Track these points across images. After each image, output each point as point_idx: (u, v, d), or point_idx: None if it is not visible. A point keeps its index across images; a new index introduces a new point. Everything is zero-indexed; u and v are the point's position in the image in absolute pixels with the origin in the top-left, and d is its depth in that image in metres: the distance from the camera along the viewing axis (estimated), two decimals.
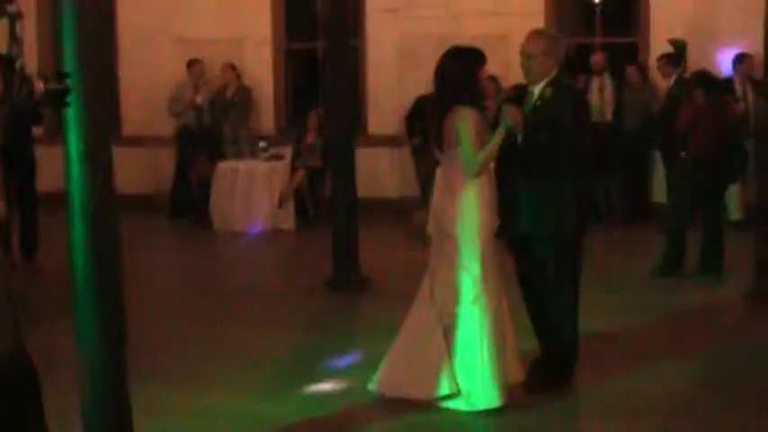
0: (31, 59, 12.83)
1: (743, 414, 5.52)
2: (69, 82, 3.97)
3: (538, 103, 5.66)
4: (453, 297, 5.47)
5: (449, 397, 5.46)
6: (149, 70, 13.46)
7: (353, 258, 8.63)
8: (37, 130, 10.32)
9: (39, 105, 4.03)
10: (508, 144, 5.50)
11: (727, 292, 8.30)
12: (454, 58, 5.63)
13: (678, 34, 11.50)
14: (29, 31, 12.74)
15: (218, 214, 11.82)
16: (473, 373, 5.42)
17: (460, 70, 5.54)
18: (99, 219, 4.23)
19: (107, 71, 4.38)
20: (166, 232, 12.35)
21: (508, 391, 5.48)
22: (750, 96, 11.30)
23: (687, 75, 10.82)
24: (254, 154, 12.51)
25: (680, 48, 11.31)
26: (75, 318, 4.32)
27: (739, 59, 11.41)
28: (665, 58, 11.39)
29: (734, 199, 11.37)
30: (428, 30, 12.17)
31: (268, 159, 12.14)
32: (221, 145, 12.65)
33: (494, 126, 5.55)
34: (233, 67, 12.86)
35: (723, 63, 11.61)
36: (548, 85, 5.66)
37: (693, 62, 11.20)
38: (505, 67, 10.94)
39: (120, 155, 4.60)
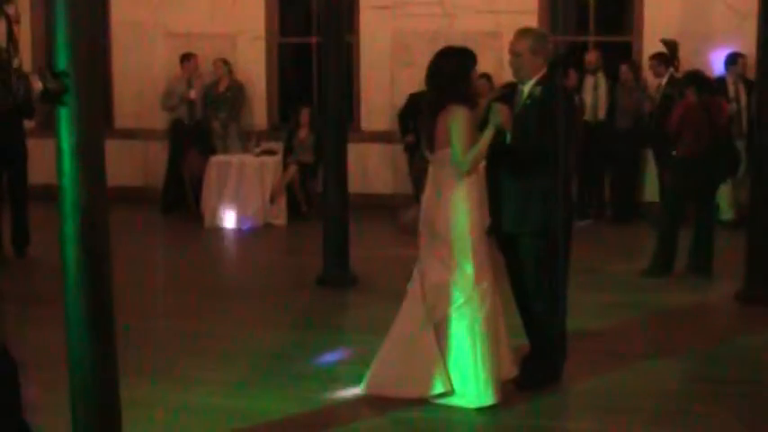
0: (24, 55, 12.88)
1: (731, 413, 5.53)
2: (66, 81, 3.98)
3: (528, 101, 5.65)
4: (446, 297, 5.48)
5: (443, 395, 5.47)
6: (142, 64, 13.44)
7: (344, 255, 8.62)
8: (29, 124, 10.29)
9: (33, 103, 4.04)
10: (497, 143, 5.49)
11: (717, 292, 8.32)
12: (446, 57, 5.62)
13: (671, 34, 11.52)
14: (22, 26, 12.82)
15: (209, 209, 11.80)
16: (466, 371, 5.43)
17: (452, 70, 5.54)
18: (91, 213, 4.23)
19: (100, 65, 4.36)
20: (157, 226, 12.33)
21: (501, 388, 5.51)
22: (742, 96, 11.33)
23: (679, 74, 10.85)
24: (244, 149, 12.50)
25: (672, 48, 11.34)
26: (66, 312, 4.32)
27: (732, 59, 11.43)
28: (658, 58, 11.42)
29: (725, 198, 11.40)
30: (421, 27, 12.18)
31: (260, 155, 12.14)
32: (213, 140, 12.66)
33: (483, 125, 5.54)
34: (225, 62, 12.85)
35: (715, 63, 11.63)
36: (537, 83, 5.66)
37: (686, 62, 11.24)
38: (498, 64, 10.97)
39: (111, 148, 4.59)
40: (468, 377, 5.44)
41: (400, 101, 12.04)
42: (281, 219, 11.89)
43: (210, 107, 12.70)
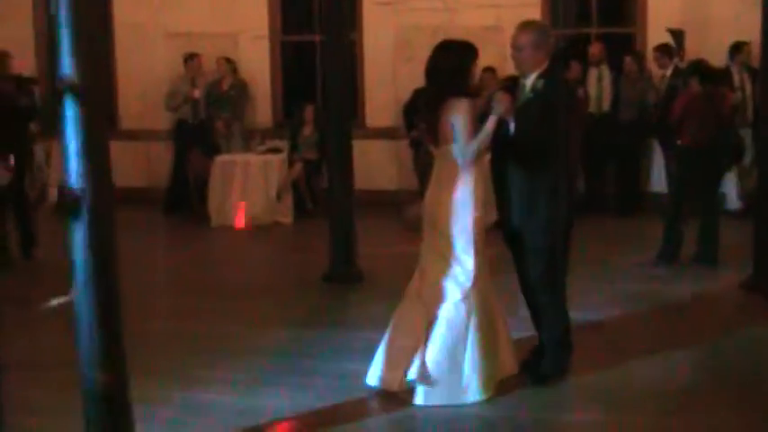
0: (28, 57, 12.89)
1: (738, 404, 5.53)
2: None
3: (530, 95, 5.61)
4: (444, 292, 5.47)
5: (415, 382, 5.45)
6: (145, 65, 13.45)
7: (350, 252, 8.63)
8: (34, 127, 10.32)
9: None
10: (500, 136, 5.47)
11: (723, 282, 8.31)
12: (446, 51, 5.58)
13: (674, 24, 11.50)
14: (25, 28, 12.79)
15: (214, 208, 11.81)
16: (461, 366, 5.43)
17: (453, 64, 5.50)
18: (97, 214, 4.24)
19: (104, 67, 4.38)
20: (162, 227, 12.34)
21: (501, 383, 5.53)
22: (747, 85, 11.30)
23: (684, 64, 10.83)
24: (247, 148, 12.50)
25: (678, 37, 11.31)
26: (75, 314, 4.33)
27: (736, 48, 11.41)
28: (662, 49, 11.40)
29: (732, 188, 11.40)
30: (424, 22, 12.17)
31: (264, 153, 12.14)
32: (216, 139, 12.66)
33: (485, 117, 5.50)
34: (228, 61, 12.85)
35: (719, 52, 11.60)
36: (540, 76, 5.61)
37: (690, 51, 11.21)
38: (501, 58, 10.93)
39: (115, 149, 4.59)
40: (461, 372, 5.43)
41: (404, 96, 12.03)
42: (287, 216, 11.90)
43: (213, 106, 12.70)
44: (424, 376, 5.43)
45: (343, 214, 8.61)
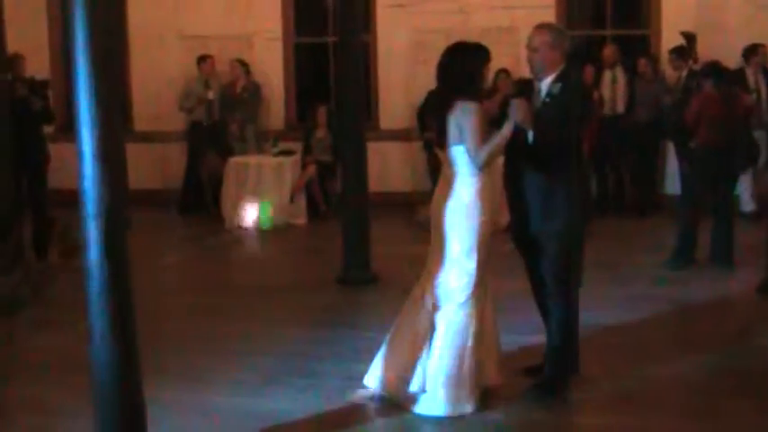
0: (42, 60, 12.92)
1: (756, 406, 5.51)
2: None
3: (546, 99, 5.53)
4: (446, 295, 5.41)
5: (417, 394, 5.40)
6: (159, 67, 13.46)
7: (364, 253, 8.63)
8: (48, 129, 10.34)
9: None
10: (517, 141, 5.38)
11: (739, 284, 8.28)
12: (456, 53, 5.49)
13: (688, 26, 11.46)
14: (39, 31, 12.83)
15: (228, 210, 11.83)
16: (463, 377, 5.36)
17: (463, 66, 5.41)
18: (112, 216, 4.25)
19: (118, 69, 4.39)
20: (176, 228, 12.36)
21: (479, 395, 5.45)
22: (762, 87, 11.27)
23: (697, 66, 10.80)
24: (261, 150, 12.51)
25: (691, 40, 11.28)
26: (90, 316, 4.34)
27: (751, 50, 11.37)
28: (677, 51, 11.36)
29: (746, 190, 11.37)
30: (437, 24, 12.16)
31: (277, 155, 12.16)
32: (230, 141, 12.68)
33: (499, 121, 5.43)
34: (241, 63, 12.86)
35: (733, 54, 11.56)
36: (556, 80, 5.52)
37: (704, 54, 11.17)
38: (515, 60, 10.94)
39: (130, 151, 4.62)
40: (463, 382, 5.37)
41: (418, 98, 12.02)
42: (300, 218, 11.90)
43: (227, 108, 12.72)
44: (427, 387, 5.38)
45: (356, 216, 8.61)
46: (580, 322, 5.84)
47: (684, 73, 11.24)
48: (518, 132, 5.37)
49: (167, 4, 13.42)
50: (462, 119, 5.34)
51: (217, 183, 12.17)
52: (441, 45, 5.84)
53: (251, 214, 11.67)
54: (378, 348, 5.58)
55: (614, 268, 8.85)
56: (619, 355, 6.49)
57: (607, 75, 11.93)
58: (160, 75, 13.43)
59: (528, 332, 6.13)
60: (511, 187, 5.67)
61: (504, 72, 11.43)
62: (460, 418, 5.35)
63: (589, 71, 11.76)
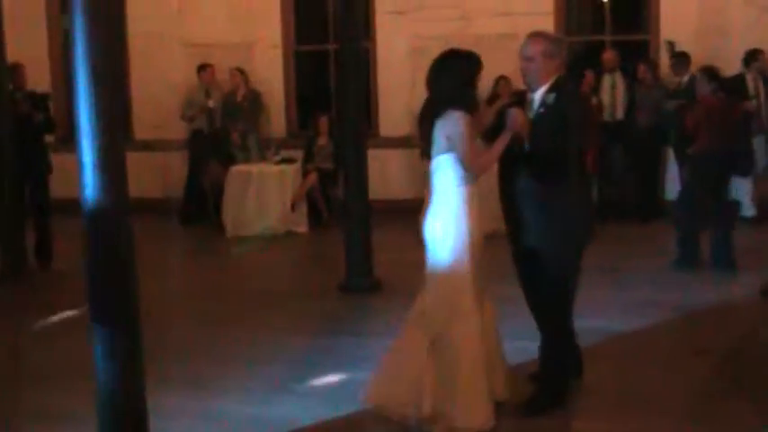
0: (42, 71, 12.94)
1: (761, 410, 5.50)
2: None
3: (541, 110, 5.38)
4: (443, 312, 5.23)
5: (430, 418, 5.18)
6: (160, 75, 13.49)
7: (367, 261, 8.63)
8: (49, 138, 10.37)
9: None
10: (512, 152, 5.28)
11: (742, 288, 8.27)
12: (447, 61, 5.33)
13: (688, 31, 11.52)
14: (40, 40, 12.88)
15: (230, 218, 11.83)
16: (463, 392, 5.18)
17: (453, 75, 5.26)
18: (113, 224, 4.26)
19: (119, 77, 4.39)
20: (178, 236, 12.37)
21: (496, 408, 5.27)
22: (762, 93, 11.27)
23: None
24: (263, 158, 12.52)
25: (670, 49, 11.32)
26: (92, 324, 4.35)
27: (751, 56, 11.38)
28: (679, 56, 11.37)
29: (747, 194, 11.37)
30: (437, 31, 12.17)
31: (279, 163, 12.16)
32: (232, 149, 12.69)
33: (494, 130, 5.33)
34: (241, 71, 12.87)
35: (734, 60, 11.57)
36: (550, 90, 5.36)
37: (704, 59, 11.17)
38: (515, 66, 10.84)
39: (131, 160, 4.61)
40: (465, 399, 5.18)
41: (418, 105, 11.86)
42: (302, 226, 11.91)
43: (228, 117, 12.73)
44: (435, 413, 5.18)
45: (358, 223, 8.61)
46: (582, 327, 5.83)
47: (686, 78, 11.25)
48: (513, 143, 5.26)
49: (168, 13, 13.45)
50: (452, 128, 5.19)
51: (218, 191, 12.17)
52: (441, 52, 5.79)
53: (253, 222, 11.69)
54: (381, 355, 5.54)
55: (616, 273, 8.85)
56: (621, 359, 6.49)
57: (606, 80, 11.93)
58: (161, 83, 13.45)
59: (529, 337, 6.11)
60: (505, 199, 5.53)
61: (503, 79, 11.44)
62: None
63: (589, 76, 11.78)
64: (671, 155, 11.79)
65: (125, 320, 4.35)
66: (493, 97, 10.42)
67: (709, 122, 8.89)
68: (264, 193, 11.78)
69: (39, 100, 9.92)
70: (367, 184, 8.73)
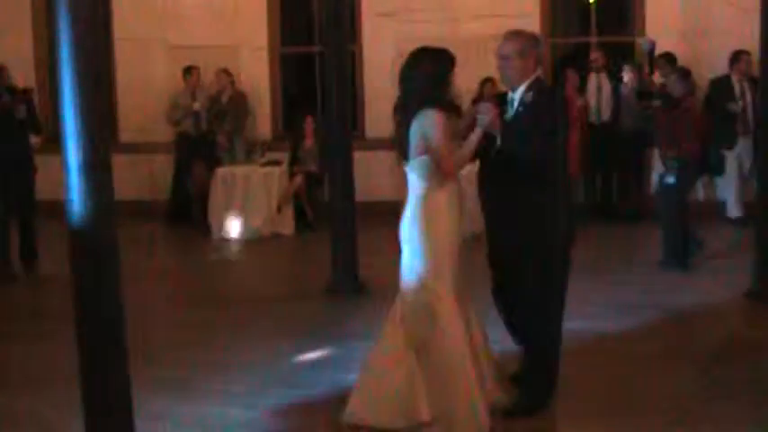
0: (29, 72, 12.87)
1: (746, 412, 5.51)
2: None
3: (520, 109, 5.32)
4: (425, 319, 5.14)
5: (428, 424, 5.09)
6: (145, 78, 13.46)
7: (352, 263, 8.62)
8: (35, 140, 10.31)
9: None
10: (488, 152, 5.24)
11: (728, 290, 8.28)
12: (419, 59, 5.25)
13: (673, 32, 11.55)
14: (25, 44, 12.81)
15: (216, 221, 11.81)
16: (455, 398, 5.10)
17: (427, 73, 5.17)
18: (99, 227, 4.24)
19: (104, 80, 4.38)
20: (164, 239, 12.35)
21: (490, 412, 5.19)
22: (748, 94, 11.30)
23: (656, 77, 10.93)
24: (249, 160, 12.51)
25: (648, 49, 11.34)
26: (76, 327, 4.33)
27: (736, 57, 11.41)
28: (665, 58, 11.38)
29: (732, 196, 11.41)
30: (424, 33, 12.13)
31: (265, 165, 12.15)
32: (218, 151, 12.67)
33: (471, 130, 5.24)
34: (227, 73, 12.85)
35: (719, 61, 11.60)
36: (528, 89, 5.32)
37: (689, 60, 11.23)
38: None
39: (117, 162, 4.60)
40: (460, 403, 5.10)
41: None
42: (288, 228, 11.90)
43: (214, 119, 12.70)
44: (433, 419, 5.08)
45: (344, 225, 8.60)
46: (568, 328, 5.80)
47: (672, 79, 11.25)
48: (491, 142, 5.22)
49: (153, 15, 13.41)
50: (427, 127, 5.11)
51: (204, 193, 12.15)
52: None
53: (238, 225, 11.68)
54: (366, 358, 5.52)
55: (603, 274, 8.86)
56: (609, 361, 6.49)
57: (592, 82, 11.94)
58: (146, 85, 13.43)
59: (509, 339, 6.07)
60: (485, 203, 5.48)
61: (489, 81, 11.44)
62: None
63: (573, 77, 11.78)
64: (656, 156, 11.80)
65: (110, 323, 4.34)
66: (478, 99, 10.43)
67: (694, 125, 8.96)
68: (250, 196, 11.78)
69: (21, 93, 9.80)
70: (353, 186, 8.72)
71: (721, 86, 11.41)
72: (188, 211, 12.69)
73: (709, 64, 11.62)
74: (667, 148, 9.10)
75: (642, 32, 12.18)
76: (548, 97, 5.45)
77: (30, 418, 5.66)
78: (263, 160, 12.26)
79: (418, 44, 5.48)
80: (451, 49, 5.41)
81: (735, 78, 11.40)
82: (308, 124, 12.41)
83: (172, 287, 9.54)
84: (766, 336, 7.07)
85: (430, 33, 11.98)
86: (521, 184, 5.26)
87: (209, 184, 11.95)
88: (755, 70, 9.78)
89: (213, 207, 11.86)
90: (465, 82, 11.57)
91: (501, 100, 5.55)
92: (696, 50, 11.64)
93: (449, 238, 5.19)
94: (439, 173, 5.16)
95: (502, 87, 5.64)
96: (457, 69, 5.37)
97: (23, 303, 8.80)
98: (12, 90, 9.78)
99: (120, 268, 4.40)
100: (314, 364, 6.59)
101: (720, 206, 11.63)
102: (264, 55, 13.32)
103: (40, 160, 10.04)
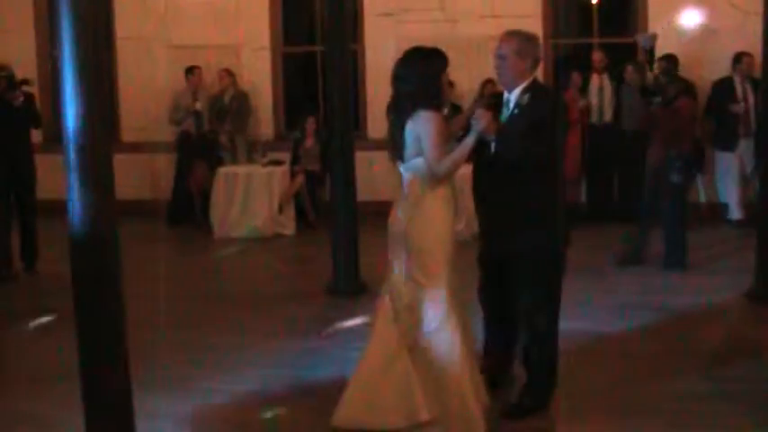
0: (30, 71, 12.85)
1: (746, 413, 5.51)
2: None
3: (515, 111, 5.31)
4: (420, 319, 5.12)
5: (428, 423, 5.05)
6: (147, 78, 13.45)
7: (354, 263, 8.62)
8: (36, 138, 10.27)
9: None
10: (483, 154, 5.22)
11: (728, 291, 8.28)
12: (412, 59, 5.25)
13: (674, 33, 11.52)
14: (27, 42, 12.79)
15: (217, 220, 11.82)
16: (450, 399, 5.09)
17: (419, 74, 5.16)
18: (99, 227, 4.24)
19: (106, 80, 4.38)
20: (165, 238, 12.33)
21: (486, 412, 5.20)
22: (750, 96, 11.29)
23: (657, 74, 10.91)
24: (251, 160, 12.50)
25: (649, 45, 11.33)
26: (77, 326, 4.33)
27: (738, 59, 11.41)
28: (667, 59, 11.36)
29: (734, 197, 11.40)
30: (425, 33, 12.12)
31: (267, 165, 12.15)
32: (220, 151, 12.68)
33: (467, 133, 5.23)
34: (229, 73, 12.85)
35: (721, 62, 11.60)
36: (525, 90, 5.31)
37: (692, 62, 11.23)
38: None
39: (118, 162, 4.60)
40: (457, 402, 5.08)
41: None
42: (289, 228, 11.90)
43: (216, 118, 12.70)
44: (432, 417, 5.04)
45: (345, 225, 8.61)
46: (568, 329, 5.82)
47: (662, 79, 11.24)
48: (485, 145, 5.21)
49: (155, 14, 13.40)
50: (420, 128, 5.09)
51: (206, 193, 12.15)
52: None
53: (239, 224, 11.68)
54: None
55: (603, 275, 8.86)
56: (609, 363, 6.49)
57: (595, 82, 11.93)
58: (148, 85, 13.42)
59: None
60: (480, 207, 5.47)
61: (490, 82, 11.43)
62: None
63: (576, 78, 11.78)
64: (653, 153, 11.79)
65: (111, 323, 4.34)
66: (479, 100, 10.42)
67: (681, 125, 9.03)
68: (252, 195, 11.77)
69: (20, 82, 9.68)
70: (354, 186, 8.73)
71: (723, 88, 11.41)
72: (189, 210, 12.69)
73: (712, 66, 11.61)
74: (668, 147, 9.12)
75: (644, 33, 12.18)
76: (544, 100, 5.41)
77: (30, 418, 5.67)
78: (265, 160, 12.26)
79: (419, 44, 5.46)
80: (453, 50, 5.40)
81: (737, 80, 11.40)
82: (310, 124, 12.41)
83: (173, 286, 9.53)
84: (766, 336, 7.07)
85: (432, 34, 11.99)
86: (515, 186, 5.24)
87: (211, 184, 11.96)
88: (757, 72, 9.77)
89: (215, 207, 11.86)
90: (466, 83, 11.62)
91: (497, 100, 5.54)
92: (698, 52, 11.63)
93: (443, 239, 5.18)
94: (434, 173, 5.13)
95: (500, 88, 5.62)
96: (458, 70, 5.39)
97: (23, 303, 8.79)
98: (7, 78, 9.63)
99: (120, 268, 4.40)
100: (315, 364, 6.59)
101: (722, 208, 11.62)
102: (266, 55, 13.32)
103: (40, 160, 10.03)
